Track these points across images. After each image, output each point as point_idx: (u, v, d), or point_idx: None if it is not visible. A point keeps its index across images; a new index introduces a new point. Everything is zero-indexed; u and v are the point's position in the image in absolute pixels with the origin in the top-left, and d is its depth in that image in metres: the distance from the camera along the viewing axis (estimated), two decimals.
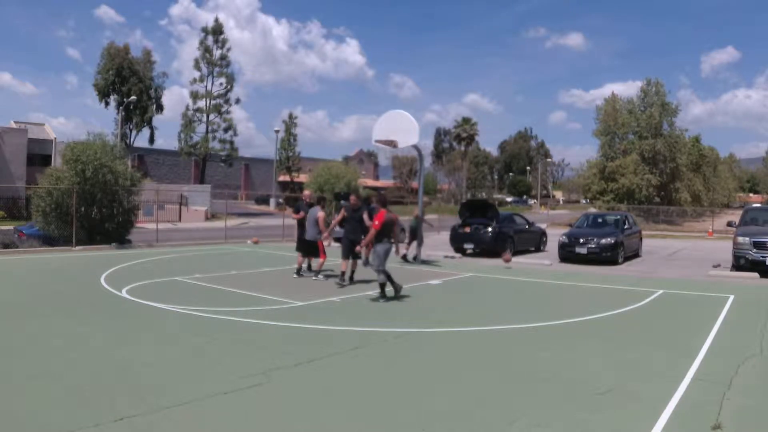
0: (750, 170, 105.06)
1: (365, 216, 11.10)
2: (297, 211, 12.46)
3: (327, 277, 11.81)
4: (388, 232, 9.25)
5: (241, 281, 11.20)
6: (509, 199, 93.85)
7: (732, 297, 10.28)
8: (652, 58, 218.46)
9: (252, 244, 20.78)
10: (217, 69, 49.62)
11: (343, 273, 10.81)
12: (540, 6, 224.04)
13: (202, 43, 49.61)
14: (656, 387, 5.08)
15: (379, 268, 9.15)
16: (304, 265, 12.15)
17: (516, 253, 18.17)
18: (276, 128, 56.44)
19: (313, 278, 11.61)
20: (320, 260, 11.72)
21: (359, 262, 11.48)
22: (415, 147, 16.02)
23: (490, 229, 17.72)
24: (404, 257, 15.60)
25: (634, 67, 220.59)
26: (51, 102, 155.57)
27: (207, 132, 49.43)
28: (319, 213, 11.45)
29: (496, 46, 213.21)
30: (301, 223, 12.02)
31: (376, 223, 9.07)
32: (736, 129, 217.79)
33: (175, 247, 18.66)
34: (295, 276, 11.84)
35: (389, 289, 9.54)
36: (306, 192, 12.60)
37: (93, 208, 17.48)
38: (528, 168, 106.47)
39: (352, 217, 11.17)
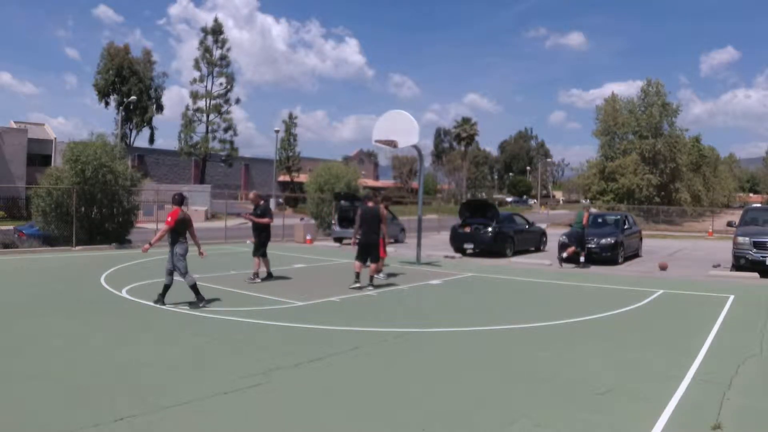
0: (750, 170, 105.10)
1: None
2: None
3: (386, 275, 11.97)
4: (183, 232, 8.56)
5: (240, 281, 11.20)
6: (509, 199, 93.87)
7: (732, 297, 10.28)
8: (652, 58, 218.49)
9: (252, 244, 20.72)
10: (217, 69, 49.72)
11: (357, 275, 10.59)
12: (540, 5, 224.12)
13: (202, 43, 49.70)
14: (656, 387, 5.08)
15: (183, 271, 8.40)
16: (253, 271, 11.43)
17: (516, 253, 18.19)
18: (276, 128, 56.46)
19: (377, 276, 11.44)
20: (380, 258, 11.62)
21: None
22: (415, 147, 16.01)
23: (490, 229, 17.72)
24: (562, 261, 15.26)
25: (634, 66, 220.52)
26: (50, 102, 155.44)
27: (207, 132, 49.48)
28: (382, 211, 11.31)
29: (496, 46, 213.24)
30: (255, 226, 11.43)
31: (169, 219, 8.40)
32: (736, 129, 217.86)
33: None
34: (254, 281, 11.18)
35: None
36: (251, 195, 12.02)
37: (93, 208, 17.50)
38: (528, 168, 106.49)
39: (367, 218, 10.88)
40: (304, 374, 5.37)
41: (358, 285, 10.49)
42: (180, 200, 8.67)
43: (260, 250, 11.46)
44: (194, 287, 8.48)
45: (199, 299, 8.45)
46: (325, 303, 9.13)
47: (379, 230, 11.10)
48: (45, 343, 6.28)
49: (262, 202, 11.64)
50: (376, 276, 11.36)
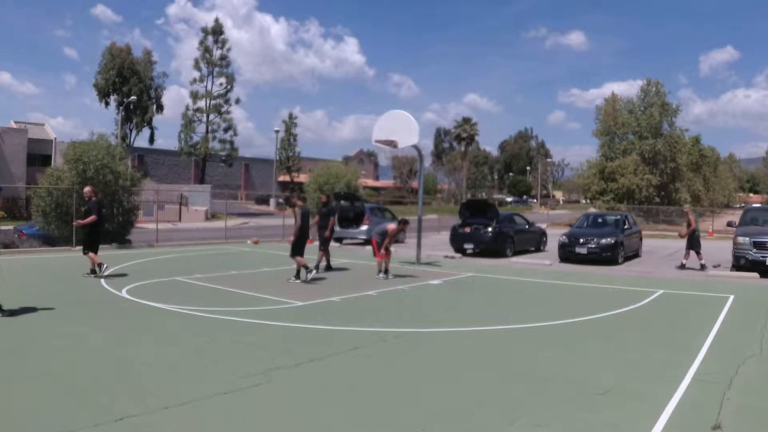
0: (750, 170, 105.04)
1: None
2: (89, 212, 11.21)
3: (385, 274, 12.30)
4: None
5: (241, 281, 11.20)
6: (509, 199, 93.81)
7: (732, 297, 10.28)
8: (652, 58, 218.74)
9: (252, 244, 20.76)
10: (217, 69, 49.69)
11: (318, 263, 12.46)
12: (540, 5, 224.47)
13: (202, 43, 49.68)
14: (656, 387, 5.08)
15: None
16: (97, 263, 11.02)
17: (516, 253, 18.18)
18: (276, 128, 56.51)
19: (382, 277, 12.13)
20: (378, 259, 12.40)
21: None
22: (415, 147, 16.01)
23: (490, 229, 17.72)
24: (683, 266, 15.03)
25: (634, 66, 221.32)
26: (50, 102, 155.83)
27: (207, 132, 49.46)
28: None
29: (496, 45, 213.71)
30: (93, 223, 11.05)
31: None
32: (736, 129, 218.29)
33: (175, 247, 18.65)
34: (88, 276, 10.97)
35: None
36: (86, 189, 11.60)
37: None
38: (528, 168, 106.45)
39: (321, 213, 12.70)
40: (304, 374, 5.37)
41: (314, 274, 11.57)
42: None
43: (87, 249, 11.13)
44: None
45: None
46: (325, 303, 9.14)
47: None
48: (45, 343, 6.28)
49: (94, 198, 11.15)
50: (383, 276, 12.17)
